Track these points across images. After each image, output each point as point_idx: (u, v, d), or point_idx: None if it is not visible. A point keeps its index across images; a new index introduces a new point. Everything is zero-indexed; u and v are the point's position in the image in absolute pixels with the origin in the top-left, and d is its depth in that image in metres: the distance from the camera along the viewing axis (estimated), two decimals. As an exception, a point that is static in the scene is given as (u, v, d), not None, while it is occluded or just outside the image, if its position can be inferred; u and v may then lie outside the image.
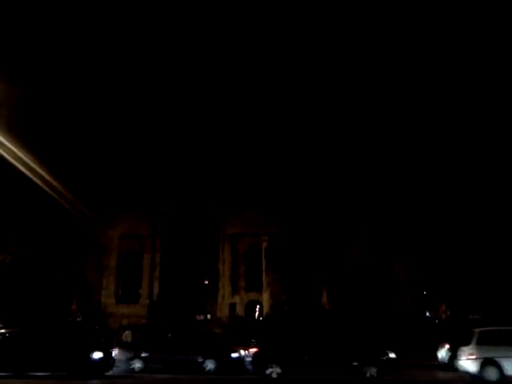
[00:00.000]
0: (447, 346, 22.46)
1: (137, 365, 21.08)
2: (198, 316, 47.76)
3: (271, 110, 41.78)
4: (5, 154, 32.70)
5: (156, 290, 44.55)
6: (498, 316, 31.44)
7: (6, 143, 32.32)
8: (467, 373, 18.19)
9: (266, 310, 40.82)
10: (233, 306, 43.46)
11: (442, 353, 22.77)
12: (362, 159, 40.38)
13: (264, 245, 42.60)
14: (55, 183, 38.24)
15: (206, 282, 48.87)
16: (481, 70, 36.80)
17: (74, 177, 39.64)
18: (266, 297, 41.35)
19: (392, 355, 18.16)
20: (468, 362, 17.90)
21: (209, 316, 48.07)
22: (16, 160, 34.40)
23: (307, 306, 37.74)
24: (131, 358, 21.32)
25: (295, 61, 40.65)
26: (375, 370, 17.60)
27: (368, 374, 17.54)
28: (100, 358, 18.62)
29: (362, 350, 18.29)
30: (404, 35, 37.64)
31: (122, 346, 22.50)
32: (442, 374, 20.82)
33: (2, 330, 19.82)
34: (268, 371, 17.95)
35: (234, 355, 20.80)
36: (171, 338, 22.85)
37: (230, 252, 44.43)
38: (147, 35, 40.35)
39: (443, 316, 39.14)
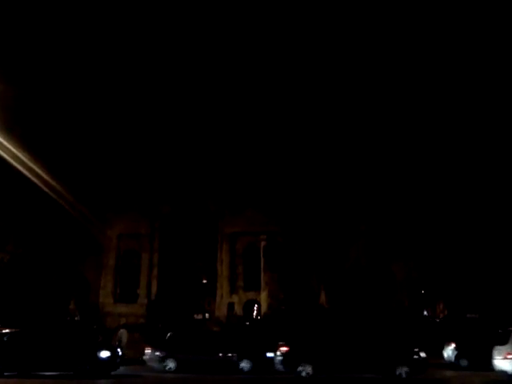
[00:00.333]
0: (453, 345, 22.48)
1: (170, 364, 20.60)
2: (196, 315, 47.75)
3: (271, 110, 41.83)
4: (3, 154, 32.63)
5: (154, 289, 44.55)
6: (496, 315, 31.72)
7: (5, 143, 32.26)
8: (504, 372, 18.07)
9: (264, 309, 40.93)
10: (231, 306, 43.53)
11: (448, 351, 22.69)
12: (361, 159, 40.51)
13: (262, 244, 42.71)
14: (53, 183, 38.15)
15: (205, 282, 48.87)
16: (481, 70, 36.96)
17: (73, 176, 39.55)
18: (264, 296, 41.46)
19: (422, 354, 18.19)
20: (505, 362, 17.70)
21: (207, 315, 48.08)
22: (14, 159, 34.31)
23: (305, 304, 37.85)
24: (164, 358, 20.86)
25: (295, 61, 40.69)
26: (407, 369, 17.61)
27: (400, 374, 17.60)
28: (107, 357, 18.52)
29: (393, 350, 18.32)
30: (404, 35, 37.75)
31: (155, 345, 21.94)
32: (459, 374, 20.76)
33: (7, 330, 19.77)
34: (299, 370, 17.99)
35: (270, 355, 20.25)
36: (204, 337, 22.46)
37: (229, 251, 44.47)
38: (147, 35, 40.28)
39: (441, 315, 39.40)
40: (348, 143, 40.81)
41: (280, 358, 18.60)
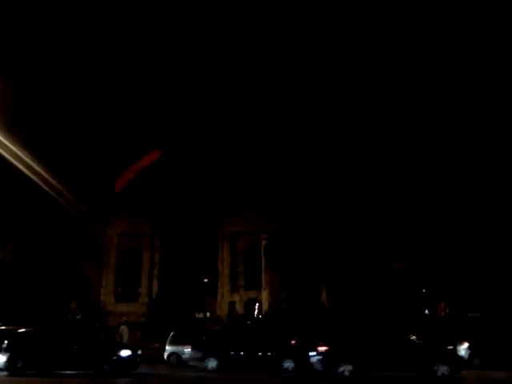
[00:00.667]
0: (466, 345, 22.39)
1: (211, 364, 20.47)
2: (197, 314, 47.86)
3: (271, 110, 41.83)
4: (4, 153, 32.70)
5: (155, 288, 44.61)
6: (497, 314, 31.63)
7: (5, 142, 32.32)
8: None
9: (265, 307, 40.94)
10: (232, 304, 43.55)
11: (461, 351, 22.33)
12: (360, 159, 40.42)
13: (263, 243, 42.68)
14: (54, 182, 38.24)
15: (206, 281, 48.93)
16: (481, 70, 36.81)
17: (73, 175, 39.64)
18: (265, 295, 41.45)
19: (460, 353, 18.48)
20: None
21: (208, 314, 48.16)
22: (15, 159, 34.39)
23: (306, 303, 37.82)
24: (204, 357, 20.74)
25: (295, 61, 40.68)
26: (447, 368, 17.67)
27: (439, 373, 17.64)
28: (128, 356, 18.58)
29: (433, 349, 18.44)
30: (404, 35, 37.65)
31: (195, 345, 21.79)
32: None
33: (23, 329, 19.77)
34: (340, 369, 18.10)
35: (312, 354, 19.96)
36: (247, 337, 22.15)
37: (230, 250, 44.48)
38: (147, 35, 40.34)
39: (442, 314, 39.28)
40: (348, 143, 40.74)
41: (319, 357, 18.71)
